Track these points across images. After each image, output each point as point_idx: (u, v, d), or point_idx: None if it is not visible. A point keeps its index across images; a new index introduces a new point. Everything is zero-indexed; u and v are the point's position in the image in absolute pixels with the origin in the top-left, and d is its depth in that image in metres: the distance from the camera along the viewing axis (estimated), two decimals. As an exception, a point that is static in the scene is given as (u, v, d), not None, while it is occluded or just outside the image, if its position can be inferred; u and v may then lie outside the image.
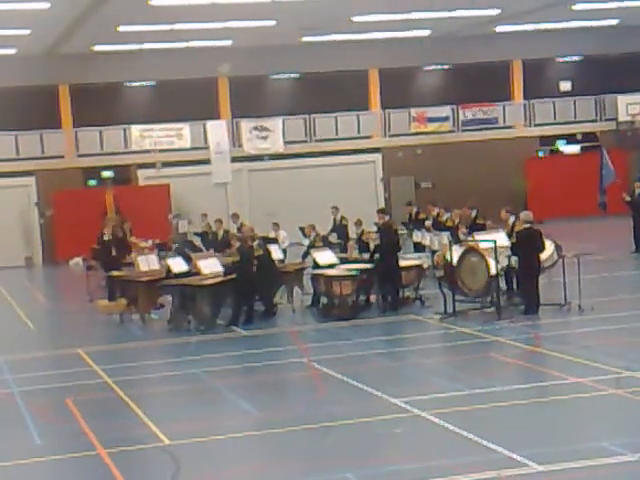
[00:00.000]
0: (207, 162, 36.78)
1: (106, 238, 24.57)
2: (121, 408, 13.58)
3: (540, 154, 41.55)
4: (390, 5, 31.12)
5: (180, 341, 18.61)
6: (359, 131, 39.53)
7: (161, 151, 37.19)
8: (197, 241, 27.07)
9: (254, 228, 22.22)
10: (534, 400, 12.90)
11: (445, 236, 22.78)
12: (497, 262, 18.55)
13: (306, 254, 23.48)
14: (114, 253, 24.12)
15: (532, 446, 10.52)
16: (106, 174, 37.29)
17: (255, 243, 20.52)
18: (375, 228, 21.31)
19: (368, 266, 20.34)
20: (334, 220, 26.48)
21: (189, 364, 16.34)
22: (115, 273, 22.41)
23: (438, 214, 25.55)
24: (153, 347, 18.38)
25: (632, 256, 26.68)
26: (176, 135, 37.22)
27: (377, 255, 20.15)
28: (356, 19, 33.13)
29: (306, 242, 24.04)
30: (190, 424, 12.43)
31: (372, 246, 20.54)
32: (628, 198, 27.44)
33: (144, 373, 16.32)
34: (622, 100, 40.60)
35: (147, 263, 21.63)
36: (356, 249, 21.82)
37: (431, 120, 39.65)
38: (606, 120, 41.18)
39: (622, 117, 40.68)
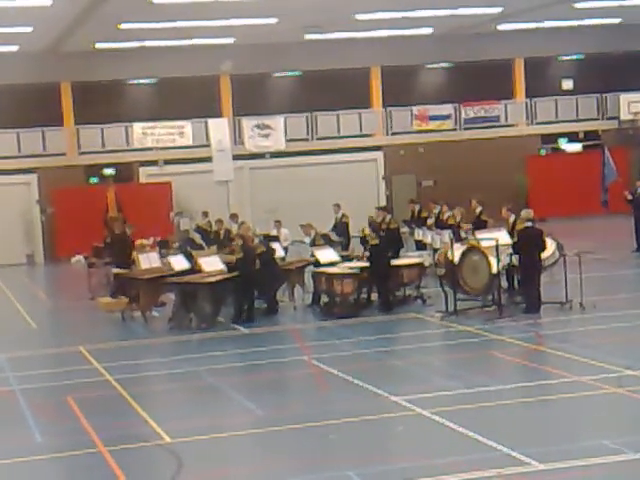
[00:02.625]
0: (209, 160, 36.73)
1: (123, 232, 24.46)
2: (122, 406, 13.59)
3: (542, 152, 41.54)
4: (392, 3, 31.12)
5: (181, 339, 18.62)
6: (361, 129, 39.52)
7: (163, 149, 37.21)
8: (198, 238, 27.07)
9: (255, 226, 22.22)
10: (535, 398, 12.89)
11: (447, 234, 22.77)
12: (498, 260, 18.55)
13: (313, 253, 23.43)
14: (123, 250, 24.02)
15: (533, 444, 10.52)
16: (108, 172, 37.29)
17: (257, 240, 20.53)
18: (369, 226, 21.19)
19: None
20: (335, 218, 26.44)
21: (190, 362, 16.34)
22: (116, 270, 22.41)
23: (440, 212, 25.51)
24: (154, 345, 18.39)
25: (633, 255, 26.64)
26: (178, 133, 37.23)
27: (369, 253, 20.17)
28: (359, 17, 33.13)
29: (307, 240, 24.01)
30: (191, 422, 12.44)
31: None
32: (630, 197, 27.40)
33: (145, 371, 16.34)
34: (624, 99, 40.57)
35: (148, 261, 21.63)
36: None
37: (433, 118, 39.64)
38: (608, 118, 41.15)
39: (624, 116, 40.64)
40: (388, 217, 23.80)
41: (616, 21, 38.85)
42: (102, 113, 37.03)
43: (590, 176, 33.86)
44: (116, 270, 22.57)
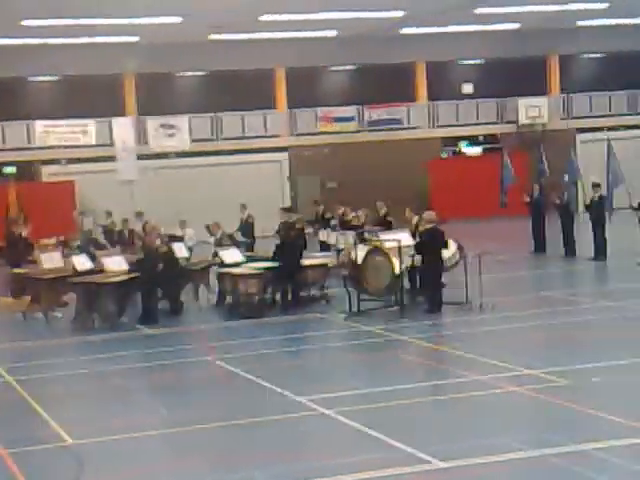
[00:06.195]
0: (113, 159, 36.42)
1: (24, 234, 24.13)
2: (23, 408, 13.41)
3: (443, 155, 42.16)
4: (297, 5, 31.28)
5: (85, 340, 18.44)
6: (266, 130, 39.63)
7: (66, 147, 36.72)
8: (101, 237, 26.82)
9: (159, 226, 22.09)
10: (436, 398, 13.12)
11: (350, 235, 22.97)
12: (401, 261, 18.80)
13: (216, 253, 23.42)
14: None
15: (435, 443, 10.70)
16: (8, 170, 36.69)
17: (159, 241, 20.44)
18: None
19: (275, 265, 20.41)
20: (241, 218, 26.47)
21: (93, 363, 16.21)
22: (18, 270, 22.08)
23: (343, 213, 25.74)
24: (57, 346, 18.16)
25: (531, 256, 27.24)
26: (81, 132, 36.81)
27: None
28: (263, 18, 33.21)
29: (212, 240, 23.99)
30: (94, 423, 12.35)
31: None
32: (527, 199, 27.98)
33: (47, 372, 16.11)
34: (522, 103, 41.47)
35: (51, 260, 21.37)
36: None
37: (337, 120, 39.97)
38: (507, 122, 42.00)
39: (522, 120, 41.54)
40: (293, 217, 23.88)
41: (515, 26, 39.65)
42: (3, 110, 36.41)
43: (490, 179, 34.50)
44: (16, 270, 22.23)
